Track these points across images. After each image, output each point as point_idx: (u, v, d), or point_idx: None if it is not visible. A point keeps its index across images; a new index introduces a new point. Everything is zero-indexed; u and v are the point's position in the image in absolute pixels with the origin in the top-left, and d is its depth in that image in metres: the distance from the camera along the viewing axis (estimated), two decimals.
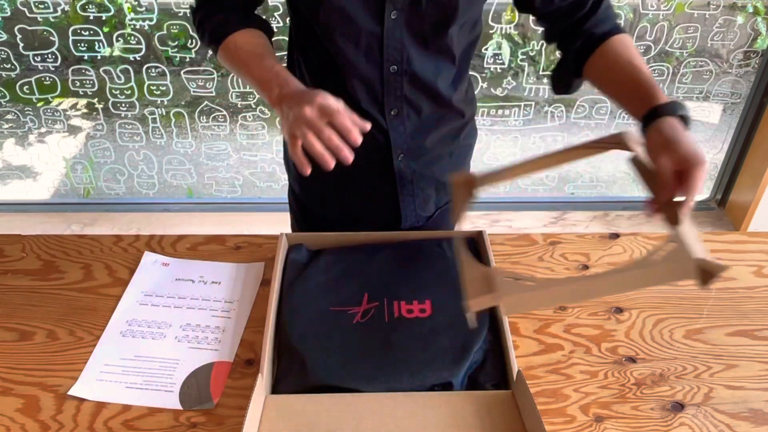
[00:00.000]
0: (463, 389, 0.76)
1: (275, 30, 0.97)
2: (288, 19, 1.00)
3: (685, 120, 0.75)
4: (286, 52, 1.01)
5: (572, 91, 0.97)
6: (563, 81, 0.95)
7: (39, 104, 2.19)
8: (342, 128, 0.72)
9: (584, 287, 0.66)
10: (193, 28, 0.96)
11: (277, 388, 0.77)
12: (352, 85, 0.90)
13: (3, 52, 2.04)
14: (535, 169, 0.84)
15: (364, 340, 0.80)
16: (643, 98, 0.79)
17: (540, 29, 0.97)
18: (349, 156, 0.72)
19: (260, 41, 0.91)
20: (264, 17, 0.97)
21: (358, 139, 0.73)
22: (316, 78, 0.94)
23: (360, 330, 0.82)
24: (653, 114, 0.76)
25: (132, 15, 1.98)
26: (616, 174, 2.41)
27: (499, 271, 0.69)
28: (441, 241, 0.95)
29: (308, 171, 0.73)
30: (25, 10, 1.95)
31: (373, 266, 0.92)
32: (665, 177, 0.70)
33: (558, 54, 0.95)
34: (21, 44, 2.02)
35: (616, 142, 0.81)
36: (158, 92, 2.14)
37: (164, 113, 2.20)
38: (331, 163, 0.72)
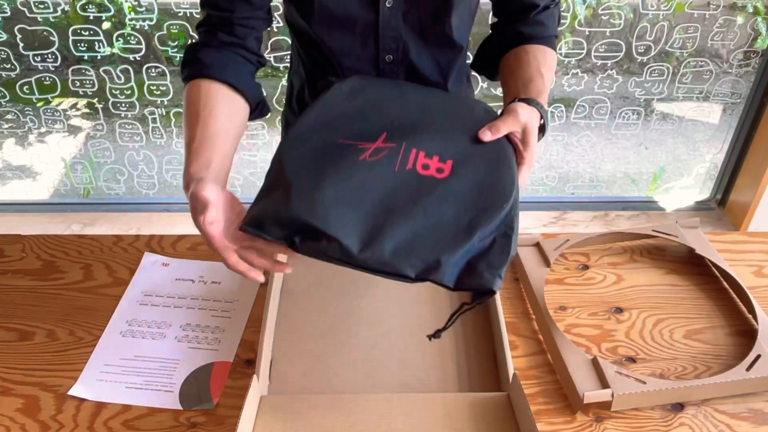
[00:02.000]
0: (451, 277, 0.64)
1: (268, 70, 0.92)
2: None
3: (541, 128, 0.79)
4: (288, 52, 1.01)
5: (482, 73, 0.99)
6: (482, 62, 0.97)
7: (39, 104, 2.19)
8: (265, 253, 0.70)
9: (690, 391, 0.75)
10: (190, 36, 0.90)
11: (251, 210, 0.67)
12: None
13: (3, 52, 2.04)
14: None
15: (364, 184, 0.68)
16: (523, 91, 0.82)
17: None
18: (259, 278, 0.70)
19: (231, 114, 0.80)
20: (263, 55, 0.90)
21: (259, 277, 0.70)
22: (315, 70, 0.94)
23: (362, 170, 0.69)
24: (519, 99, 0.79)
25: (132, 15, 1.98)
26: (616, 174, 2.41)
27: (605, 363, 0.76)
28: (489, 110, 0.81)
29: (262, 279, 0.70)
30: (25, 10, 1.95)
31: (404, 105, 0.78)
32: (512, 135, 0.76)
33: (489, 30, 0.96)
34: (21, 44, 2.02)
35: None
36: (158, 92, 2.14)
37: (164, 113, 2.20)
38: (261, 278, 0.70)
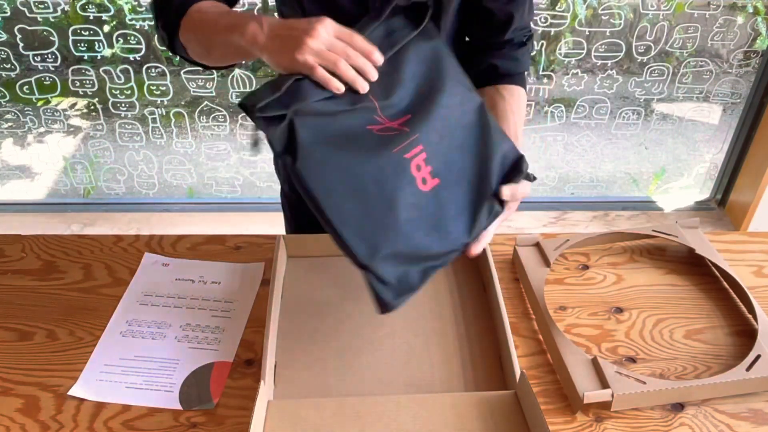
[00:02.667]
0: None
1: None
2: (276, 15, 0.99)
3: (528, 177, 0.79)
4: None
5: None
6: None
7: (39, 104, 2.19)
8: (362, 52, 0.68)
9: (690, 391, 0.75)
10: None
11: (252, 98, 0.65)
12: None
13: (3, 52, 2.04)
14: None
15: (361, 152, 0.69)
16: None
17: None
18: (374, 74, 0.69)
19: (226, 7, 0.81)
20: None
21: (375, 68, 0.69)
22: None
23: (366, 141, 0.69)
24: None
25: (132, 15, 1.98)
26: (616, 174, 2.41)
27: (605, 363, 0.76)
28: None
29: (342, 88, 0.68)
30: (25, 10, 1.95)
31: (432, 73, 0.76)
32: None
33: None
34: (21, 44, 2.02)
35: None
36: (158, 92, 2.15)
37: (164, 113, 2.20)
38: (366, 86, 0.69)
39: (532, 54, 0.95)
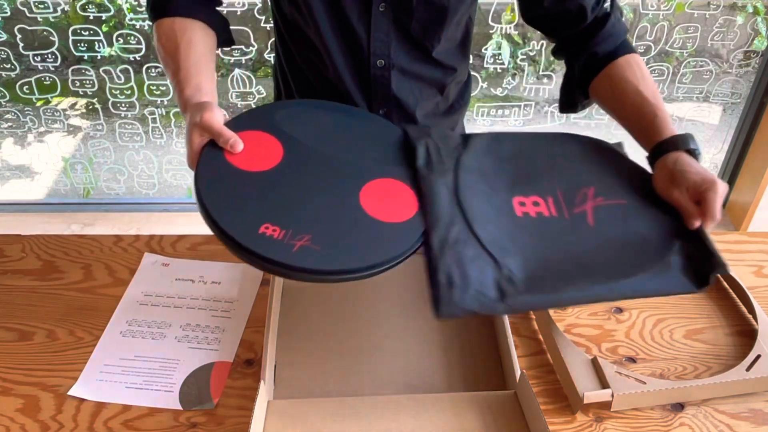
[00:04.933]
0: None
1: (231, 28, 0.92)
2: (271, 19, 0.98)
3: (692, 153, 0.75)
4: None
5: (579, 110, 0.96)
6: (570, 101, 0.94)
7: (39, 104, 2.19)
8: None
9: (690, 391, 0.74)
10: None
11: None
12: (341, 83, 0.90)
13: (3, 52, 2.04)
14: None
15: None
16: (648, 132, 0.79)
17: (550, 44, 0.95)
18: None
19: (206, 42, 0.85)
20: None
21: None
22: (303, 77, 0.94)
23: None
24: (658, 150, 0.76)
25: (132, 15, 1.98)
26: None
27: (605, 363, 0.76)
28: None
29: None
30: (25, 10, 1.95)
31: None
32: (683, 210, 0.71)
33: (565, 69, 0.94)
34: (21, 44, 2.02)
35: None
36: (158, 92, 2.14)
37: (164, 113, 2.20)
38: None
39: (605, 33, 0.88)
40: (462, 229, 0.69)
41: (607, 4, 0.87)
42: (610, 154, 0.82)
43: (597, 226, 0.72)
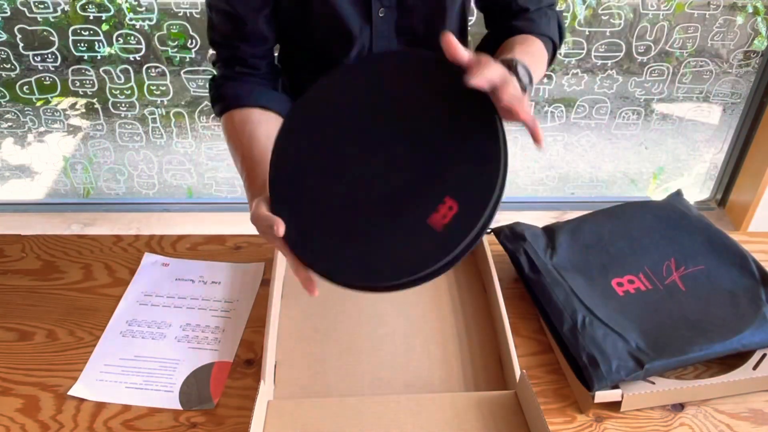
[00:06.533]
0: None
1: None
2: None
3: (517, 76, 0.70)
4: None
5: None
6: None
7: (39, 104, 2.19)
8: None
9: (699, 390, 0.76)
10: (208, 64, 0.92)
11: None
12: None
13: (3, 52, 2.03)
14: None
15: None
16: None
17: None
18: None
19: (270, 136, 0.77)
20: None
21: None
22: (304, 83, 0.94)
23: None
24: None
25: (132, 15, 1.98)
26: (616, 174, 2.41)
27: None
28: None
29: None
30: (25, 10, 1.95)
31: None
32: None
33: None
34: (21, 44, 2.01)
35: None
36: (158, 92, 2.14)
37: (164, 113, 2.20)
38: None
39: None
40: (585, 314, 0.80)
41: (546, 6, 0.90)
42: (675, 215, 0.94)
43: (689, 291, 0.84)
